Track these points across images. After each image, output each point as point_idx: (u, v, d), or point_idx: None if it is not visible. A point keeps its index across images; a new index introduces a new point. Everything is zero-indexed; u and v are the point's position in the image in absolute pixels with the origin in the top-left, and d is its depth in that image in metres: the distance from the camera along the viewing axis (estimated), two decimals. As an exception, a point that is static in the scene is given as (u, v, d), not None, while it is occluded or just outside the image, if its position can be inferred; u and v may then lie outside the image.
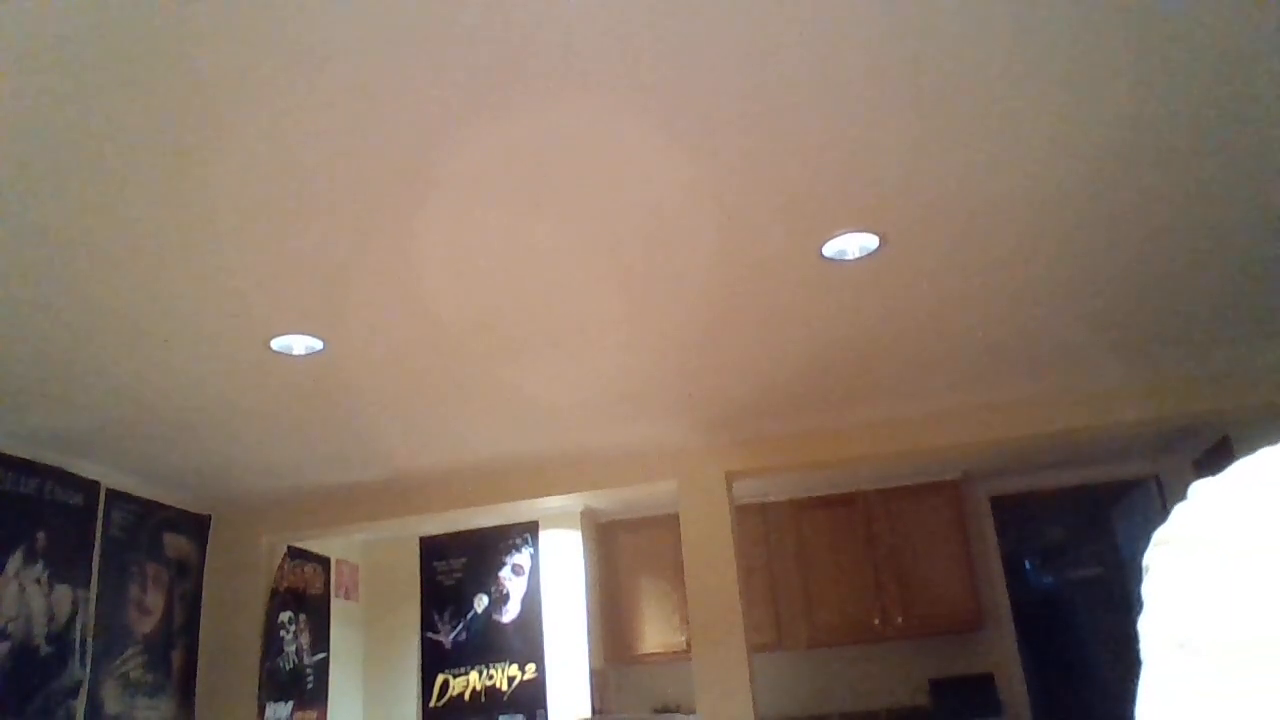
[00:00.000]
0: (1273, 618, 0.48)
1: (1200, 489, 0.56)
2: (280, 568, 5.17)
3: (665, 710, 5.94)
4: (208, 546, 5.00)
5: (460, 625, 5.80)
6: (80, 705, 3.99)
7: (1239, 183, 2.63)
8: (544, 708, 5.49)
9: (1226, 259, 3.11)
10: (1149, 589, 0.55)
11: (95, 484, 4.23)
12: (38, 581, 3.84)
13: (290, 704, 5.10)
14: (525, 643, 5.63)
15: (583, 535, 5.77)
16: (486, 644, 5.71)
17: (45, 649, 3.84)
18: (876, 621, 5.68)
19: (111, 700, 4.19)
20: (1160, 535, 0.56)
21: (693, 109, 2.12)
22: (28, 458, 3.87)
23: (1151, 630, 0.54)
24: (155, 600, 4.56)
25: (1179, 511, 0.56)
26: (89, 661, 4.07)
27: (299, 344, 3.18)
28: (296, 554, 5.37)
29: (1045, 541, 7.56)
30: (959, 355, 3.83)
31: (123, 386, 3.40)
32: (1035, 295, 3.29)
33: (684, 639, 5.62)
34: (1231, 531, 0.52)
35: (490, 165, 2.27)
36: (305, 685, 5.28)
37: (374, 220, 2.47)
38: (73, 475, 4.10)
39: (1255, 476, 0.53)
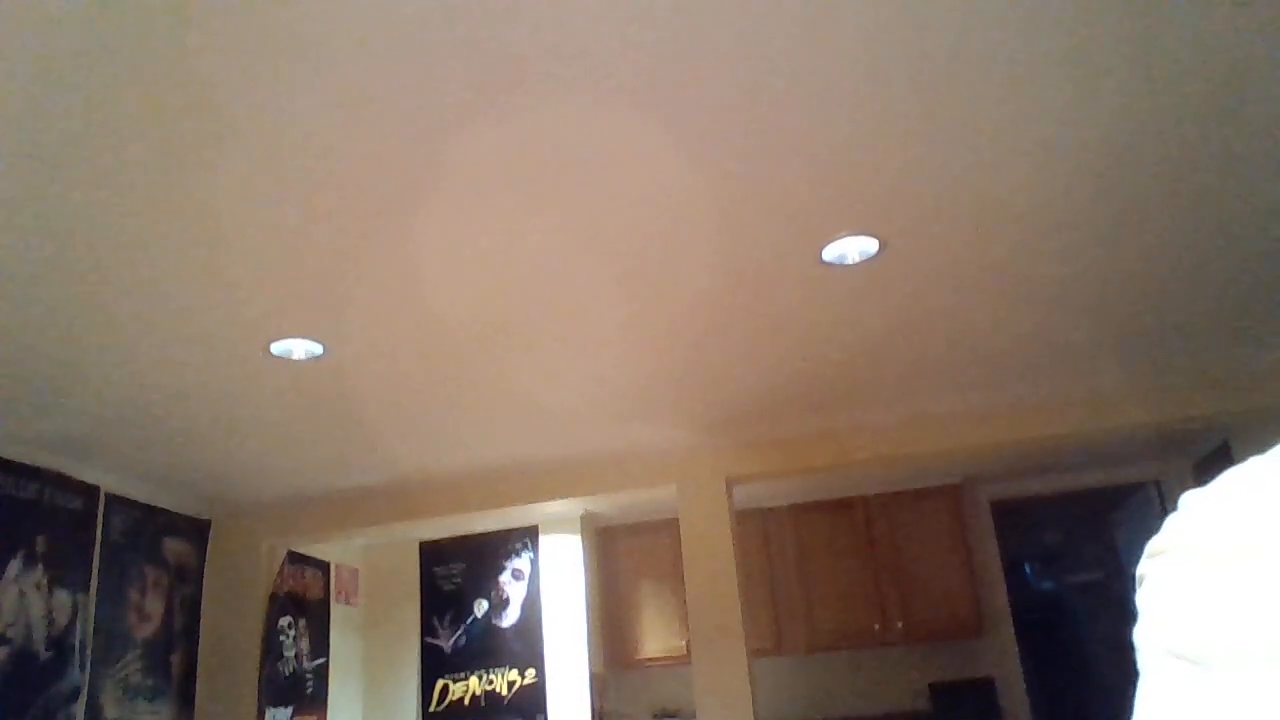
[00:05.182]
0: (1265, 623, 0.48)
1: (1190, 499, 0.56)
2: (280, 572, 5.17)
3: (665, 715, 5.93)
4: (207, 551, 5.00)
5: (460, 630, 5.79)
6: (80, 710, 3.99)
7: (1239, 185, 2.63)
8: (544, 712, 5.48)
9: (1226, 262, 3.11)
10: (1143, 599, 0.56)
11: (95, 488, 4.23)
12: (37, 586, 3.84)
13: (290, 709, 5.10)
14: (525, 647, 5.63)
15: (583, 540, 5.77)
16: (486, 649, 5.71)
17: (45, 654, 3.83)
18: (877, 626, 5.68)
19: (111, 705, 4.18)
20: (1153, 546, 0.57)
21: (693, 112, 2.12)
22: (28, 462, 3.88)
23: (1147, 640, 0.55)
24: (155, 605, 4.56)
25: (1170, 522, 0.56)
26: (89, 666, 4.07)
27: (299, 348, 3.18)
28: (296, 558, 5.37)
29: (1046, 546, 7.56)
30: (959, 359, 3.83)
31: (123, 391, 3.40)
32: (1035, 299, 3.29)
33: (684, 644, 5.62)
34: (1221, 540, 0.52)
35: (490, 168, 2.27)
36: (305, 690, 5.28)
37: (374, 224, 2.47)
38: (72, 480, 4.10)
39: (1243, 485, 0.53)
